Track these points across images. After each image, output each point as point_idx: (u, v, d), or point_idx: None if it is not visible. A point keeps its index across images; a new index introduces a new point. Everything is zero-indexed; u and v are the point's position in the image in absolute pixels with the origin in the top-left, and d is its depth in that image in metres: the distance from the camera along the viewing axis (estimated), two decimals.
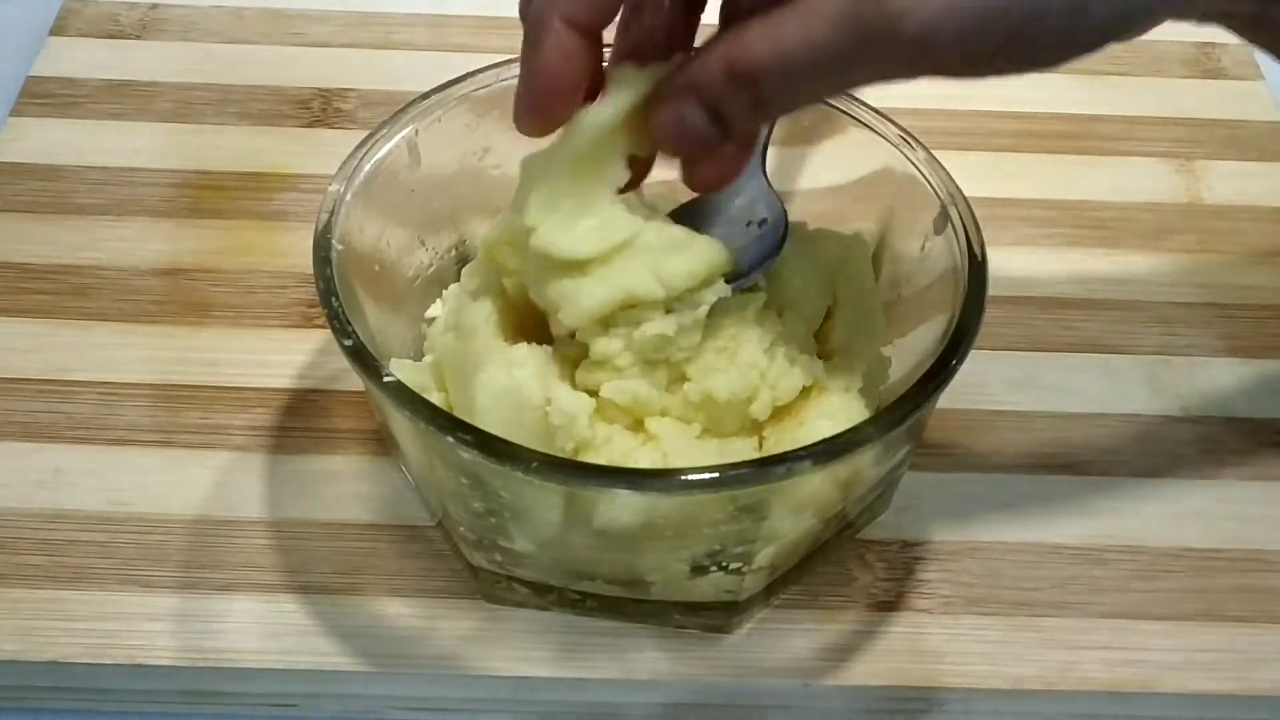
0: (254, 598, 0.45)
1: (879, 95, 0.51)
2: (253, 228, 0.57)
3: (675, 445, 0.41)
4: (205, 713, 0.45)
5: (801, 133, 0.50)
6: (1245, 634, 0.44)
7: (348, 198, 0.45)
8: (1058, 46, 0.35)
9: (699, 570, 0.42)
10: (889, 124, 0.48)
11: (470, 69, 0.49)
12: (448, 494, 0.42)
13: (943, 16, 0.33)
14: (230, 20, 0.67)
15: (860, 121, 0.48)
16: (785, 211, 0.47)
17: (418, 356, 0.47)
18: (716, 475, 0.38)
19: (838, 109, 0.49)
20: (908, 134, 0.47)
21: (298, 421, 0.50)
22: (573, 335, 0.43)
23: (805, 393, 0.43)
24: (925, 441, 0.50)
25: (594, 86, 0.40)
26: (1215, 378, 0.53)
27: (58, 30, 0.66)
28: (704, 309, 0.42)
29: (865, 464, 0.41)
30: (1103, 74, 0.67)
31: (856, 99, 0.49)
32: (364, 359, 0.40)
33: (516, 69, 0.49)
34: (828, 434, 0.39)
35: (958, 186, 0.46)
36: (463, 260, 0.50)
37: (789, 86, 0.36)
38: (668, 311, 0.41)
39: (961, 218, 0.45)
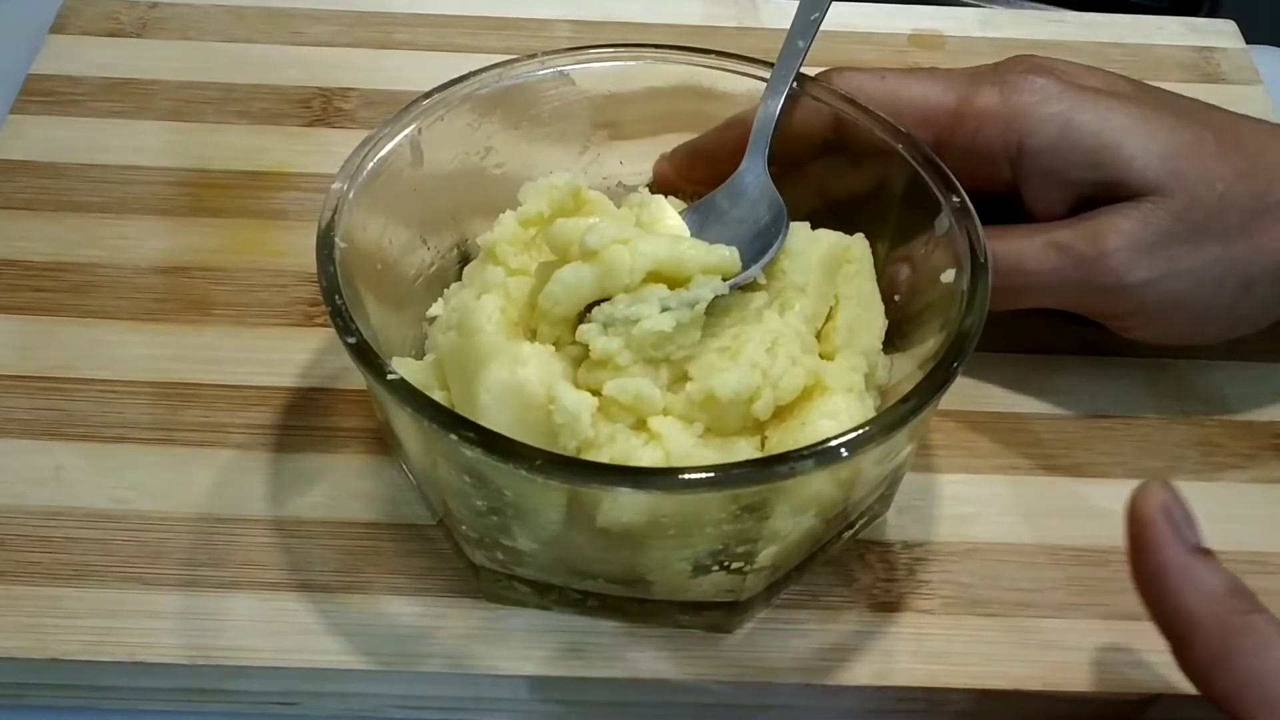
0: (255, 596, 0.45)
1: None
2: (253, 226, 0.57)
3: (678, 444, 0.41)
4: (206, 710, 0.45)
5: (802, 132, 0.50)
6: None
7: (350, 196, 0.45)
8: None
9: (701, 570, 0.42)
10: (890, 124, 0.48)
11: (470, 69, 0.50)
12: (449, 492, 0.42)
13: None
14: (231, 19, 0.67)
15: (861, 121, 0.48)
16: (785, 209, 0.47)
17: (419, 356, 0.47)
18: (719, 474, 0.38)
19: (838, 109, 0.49)
20: (908, 134, 0.47)
21: (299, 420, 0.50)
22: (573, 336, 0.43)
23: (807, 392, 0.43)
24: (926, 442, 0.50)
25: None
26: (1214, 380, 0.53)
27: (58, 28, 0.66)
28: (701, 305, 0.42)
29: (867, 464, 0.41)
30: None
31: (855, 99, 0.49)
32: (367, 356, 0.40)
33: (518, 69, 0.50)
34: (830, 434, 0.39)
35: (959, 186, 0.46)
36: (464, 259, 0.50)
37: None
38: (664, 310, 0.42)
39: (962, 218, 0.45)
